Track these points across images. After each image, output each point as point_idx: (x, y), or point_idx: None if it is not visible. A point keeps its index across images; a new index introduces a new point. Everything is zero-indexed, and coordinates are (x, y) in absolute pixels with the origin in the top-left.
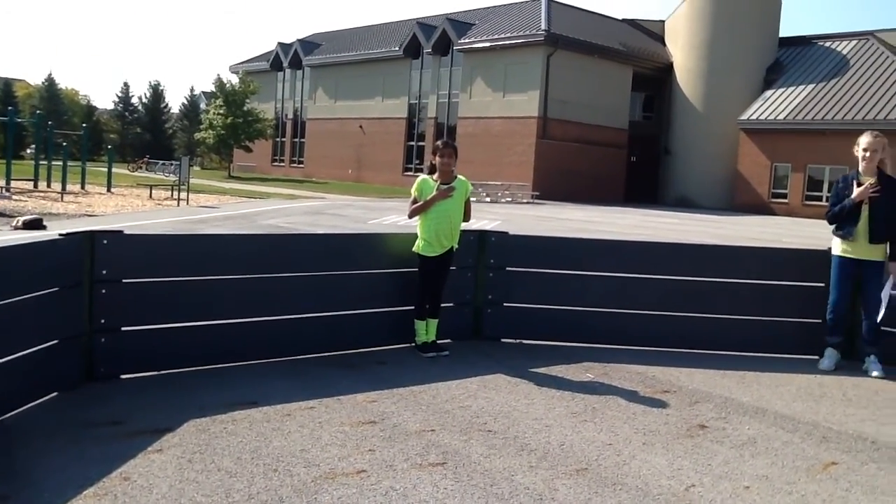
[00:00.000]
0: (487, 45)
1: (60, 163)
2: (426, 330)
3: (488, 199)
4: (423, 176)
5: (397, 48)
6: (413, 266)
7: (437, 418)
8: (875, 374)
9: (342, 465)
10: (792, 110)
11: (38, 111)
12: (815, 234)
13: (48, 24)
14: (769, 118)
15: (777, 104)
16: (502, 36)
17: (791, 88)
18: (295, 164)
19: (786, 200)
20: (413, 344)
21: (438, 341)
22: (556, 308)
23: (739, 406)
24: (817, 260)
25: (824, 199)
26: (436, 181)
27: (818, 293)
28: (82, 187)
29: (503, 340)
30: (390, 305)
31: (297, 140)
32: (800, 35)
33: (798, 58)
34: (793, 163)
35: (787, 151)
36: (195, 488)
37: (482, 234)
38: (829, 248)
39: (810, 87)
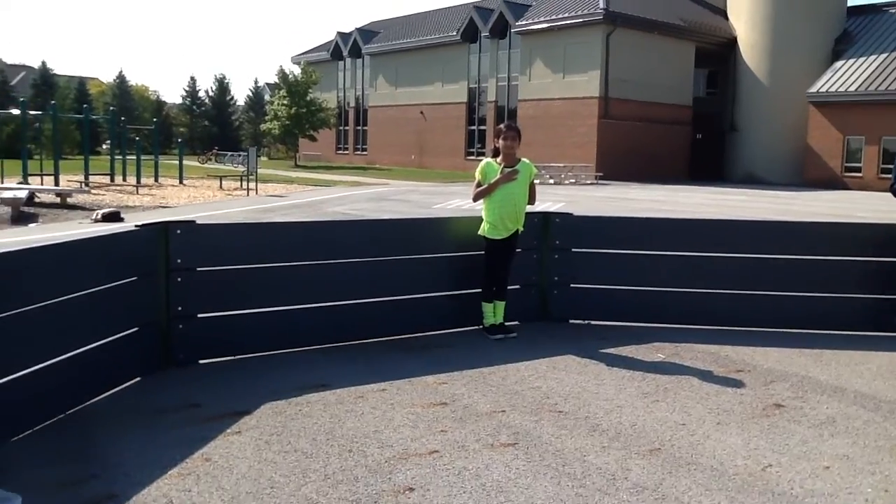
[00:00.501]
0: (545, 25)
1: (134, 157)
2: (494, 312)
3: (552, 181)
4: (487, 159)
5: (455, 33)
6: (479, 249)
7: (507, 399)
8: None
9: (415, 446)
10: (863, 81)
11: (110, 108)
12: (891, 207)
13: (117, 22)
14: (839, 90)
15: (847, 75)
16: (560, 16)
17: (862, 59)
18: (358, 152)
19: (860, 174)
20: (481, 326)
21: (506, 323)
22: (624, 288)
23: (817, 385)
24: (893, 233)
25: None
26: (500, 164)
27: (894, 268)
28: (156, 180)
29: (571, 321)
30: (457, 289)
31: (359, 128)
32: (869, 3)
33: (868, 26)
34: (866, 135)
35: (860, 123)
36: (273, 468)
37: (546, 216)
38: None
39: (882, 56)
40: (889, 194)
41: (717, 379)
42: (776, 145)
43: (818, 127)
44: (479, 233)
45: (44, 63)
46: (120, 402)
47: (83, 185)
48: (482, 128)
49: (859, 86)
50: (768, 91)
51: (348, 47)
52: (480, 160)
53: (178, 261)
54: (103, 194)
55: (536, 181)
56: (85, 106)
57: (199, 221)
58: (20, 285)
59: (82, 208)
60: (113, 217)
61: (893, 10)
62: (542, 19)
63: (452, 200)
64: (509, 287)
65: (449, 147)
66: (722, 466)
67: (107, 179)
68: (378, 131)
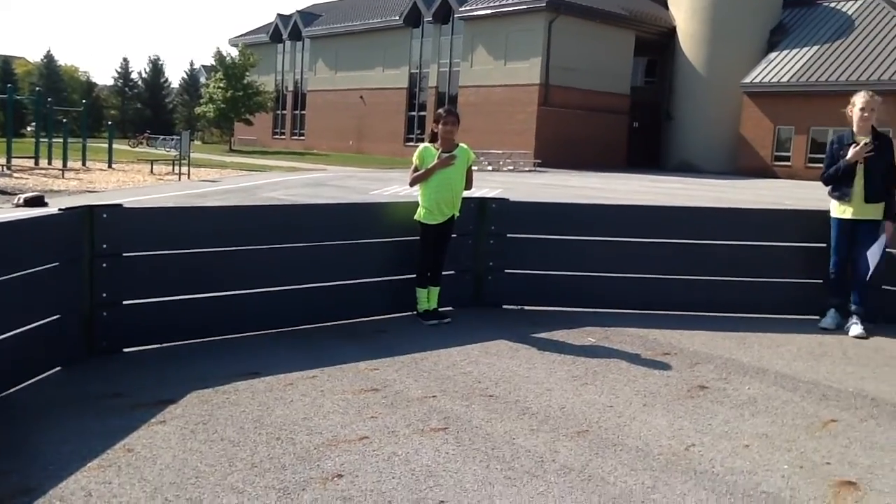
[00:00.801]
0: (488, 12)
1: (61, 140)
2: (427, 298)
3: (490, 168)
4: (425, 144)
5: (397, 17)
6: (414, 234)
7: (438, 384)
8: (854, 333)
9: (345, 432)
10: (795, 72)
11: (37, 88)
12: (817, 196)
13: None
14: (772, 81)
15: (780, 66)
16: (504, 2)
17: (795, 50)
18: (296, 137)
19: (789, 163)
20: (415, 312)
21: (440, 309)
22: (558, 274)
23: (740, 366)
24: (817, 220)
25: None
26: (437, 149)
27: (818, 253)
28: (83, 164)
29: (504, 307)
30: (392, 274)
31: (297, 112)
32: None
33: (802, 19)
34: (796, 125)
35: (791, 114)
36: (199, 458)
37: (482, 201)
38: (829, 210)
39: (814, 48)
40: (819, 183)
41: (645, 362)
42: (711, 134)
43: (751, 117)
44: (414, 218)
45: None
46: (40, 393)
47: (5, 168)
48: (422, 114)
49: (791, 77)
50: (705, 80)
51: (288, 30)
52: (419, 146)
53: (104, 246)
54: (27, 178)
55: (474, 167)
56: (9, 86)
57: (126, 206)
58: None
59: (3, 192)
60: (36, 202)
61: (827, 4)
62: (485, 5)
63: (390, 186)
64: (444, 273)
65: (388, 133)
66: (647, 447)
67: (31, 163)
68: (316, 116)
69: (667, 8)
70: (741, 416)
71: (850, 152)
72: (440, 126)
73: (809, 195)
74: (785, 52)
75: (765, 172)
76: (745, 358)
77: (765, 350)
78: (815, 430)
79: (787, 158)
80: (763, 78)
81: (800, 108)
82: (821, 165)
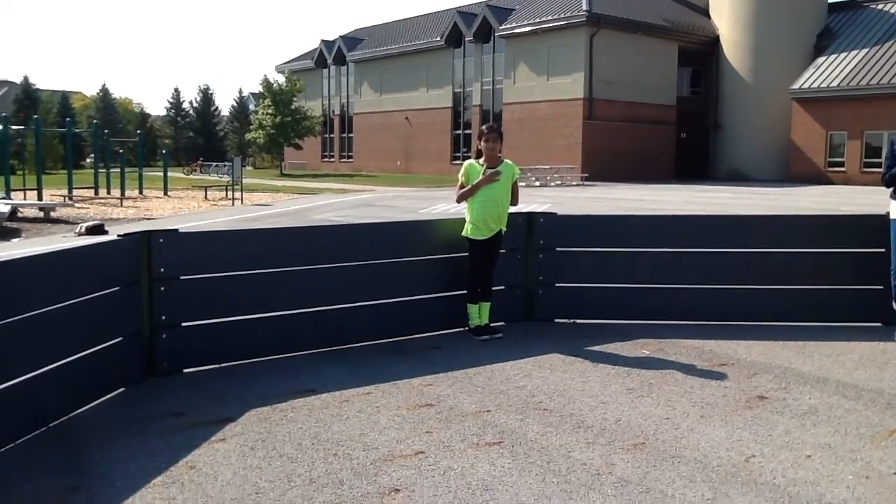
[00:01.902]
0: (529, 29)
1: (118, 170)
2: (479, 313)
3: (537, 184)
4: (470, 160)
5: (439, 38)
6: (463, 251)
7: (492, 399)
8: None
9: (400, 448)
10: (845, 76)
11: (94, 121)
12: (873, 200)
13: (100, 35)
14: (822, 86)
15: (829, 71)
16: (543, 19)
17: (843, 54)
18: (344, 159)
19: (843, 169)
20: (466, 328)
21: (492, 324)
22: (609, 286)
23: (800, 376)
24: (875, 225)
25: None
26: (482, 165)
27: (877, 259)
28: (140, 192)
29: (556, 321)
30: (443, 291)
31: (345, 135)
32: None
33: (849, 22)
34: (849, 130)
35: (843, 119)
36: (258, 474)
37: (530, 216)
38: (888, 213)
39: (863, 51)
40: (875, 188)
41: (701, 373)
42: (760, 142)
43: (801, 123)
44: (462, 234)
45: (26, 78)
46: (104, 413)
47: (67, 198)
48: (467, 132)
49: (841, 81)
50: (751, 88)
51: (332, 55)
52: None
53: (161, 270)
54: (87, 208)
55: (522, 184)
56: (68, 119)
57: (182, 231)
58: (3, 297)
59: (66, 222)
60: (97, 230)
61: (873, 6)
62: (525, 23)
63: (438, 205)
64: (494, 288)
65: (435, 152)
66: (706, 458)
67: (91, 193)
68: (363, 138)
69: (709, 17)
70: (802, 426)
71: None
72: (483, 143)
73: (867, 200)
74: (833, 56)
75: (818, 179)
76: (804, 367)
77: (825, 359)
78: (881, 440)
79: (842, 164)
80: (812, 83)
81: (852, 112)
82: (877, 170)
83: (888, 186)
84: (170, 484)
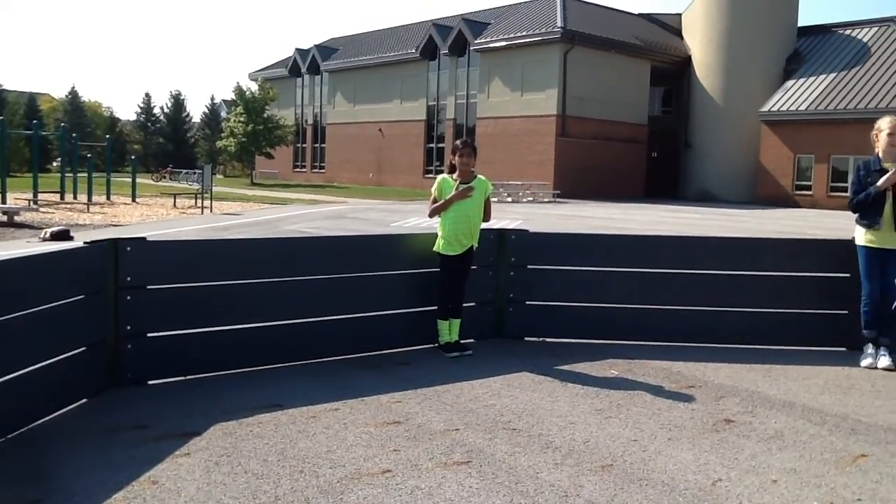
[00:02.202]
0: (504, 44)
1: (85, 174)
2: (449, 330)
3: (509, 199)
4: (443, 175)
5: (413, 50)
6: (434, 266)
7: (461, 417)
8: (882, 364)
9: (367, 466)
10: (813, 100)
11: (62, 124)
12: (840, 225)
13: (70, 37)
14: (790, 109)
15: (798, 95)
16: (518, 34)
17: (812, 78)
18: (316, 170)
19: (810, 192)
20: (436, 344)
21: (461, 341)
22: (579, 305)
23: (766, 400)
24: (840, 249)
25: (849, 189)
26: (455, 180)
27: (843, 283)
28: (108, 198)
29: (526, 339)
30: (413, 306)
31: (317, 145)
32: (819, 24)
33: (818, 47)
34: (816, 154)
35: (810, 142)
36: (222, 491)
37: (502, 233)
38: (853, 238)
39: (832, 75)
40: (841, 212)
41: (670, 394)
42: (729, 163)
43: (770, 145)
44: (433, 249)
45: None
46: (66, 424)
47: (31, 202)
48: (441, 145)
49: (809, 105)
50: (722, 109)
51: (307, 64)
52: (438, 177)
53: (128, 279)
54: (52, 212)
55: (494, 199)
56: (35, 122)
57: (150, 239)
58: None
59: (30, 227)
60: (62, 236)
61: (842, 31)
62: (500, 37)
63: (410, 219)
64: (465, 304)
65: (407, 165)
66: (673, 482)
67: (57, 197)
68: (336, 149)
69: (681, 37)
70: (768, 450)
71: (882, 179)
72: (457, 157)
73: (834, 224)
74: (802, 80)
75: (786, 201)
76: (771, 391)
77: (791, 383)
78: (845, 465)
79: (809, 187)
80: (781, 106)
81: (819, 136)
82: (843, 194)
83: (855, 212)
84: (131, 499)
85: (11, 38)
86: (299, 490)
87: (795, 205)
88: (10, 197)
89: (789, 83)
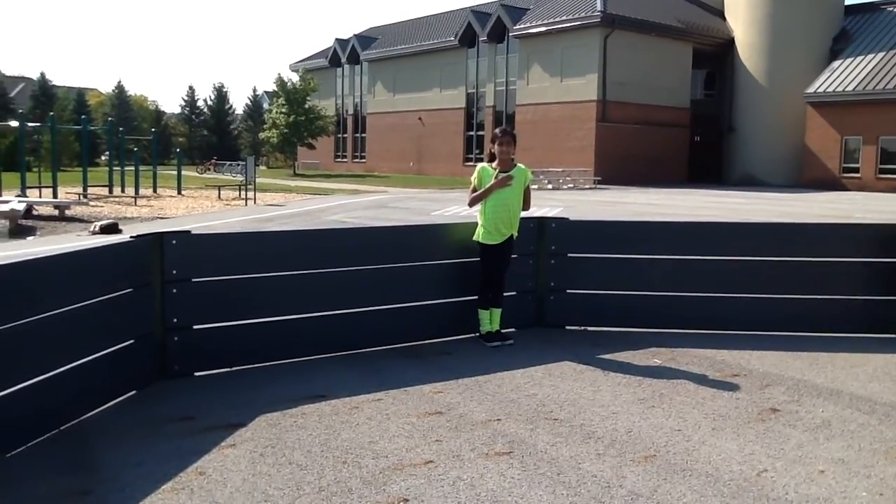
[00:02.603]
0: (543, 29)
1: (132, 168)
2: (490, 319)
3: (550, 186)
4: (482, 164)
5: (453, 38)
6: (475, 255)
7: (502, 407)
8: None
9: (410, 456)
10: (861, 80)
11: (109, 119)
12: (890, 208)
13: (116, 32)
14: (837, 90)
15: (845, 75)
16: (557, 19)
17: (859, 58)
18: (357, 160)
19: (858, 175)
20: (477, 334)
21: (502, 330)
22: (621, 293)
23: (813, 388)
24: (889, 234)
25: None
26: (495, 169)
27: (892, 269)
28: (154, 191)
29: (567, 328)
30: (454, 296)
31: (358, 135)
32: (867, 1)
33: (865, 25)
34: (864, 135)
35: (858, 123)
36: (267, 481)
37: (542, 221)
38: None
39: (880, 55)
40: (891, 194)
41: (713, 383)
42: (774, 146)
43: (816, 127)
44: (473, 238)
45: (42, 74)
46: (115, 416)
47: (81, 196)
48: (480, 133)
49: (857, 85)
50: (766, 91)
51: (346, 54)
52: (478, 166)
53: (174, 272)
54: (101, 206)
55: (534, 186)
56: (83, 117)
57: (195, 232)
58: (15, 298)
59: (80, 220)
60: (111, 229)
61: (891, 9)
62: (539, 23)
63: (450, 207)
64: (505, 294)
65: (447, 153)
66: (717, 472)
67: (105, 191)
68: (376, 138)
69: (724, 19)
70: (815, 440)
71: None
72: (496, 146)
73: (883, 207)
74: (849, 59)
75: (833, 184)
76: (818, 379)
77: (839, 371)
78: (895, 456)
79: (857, 170)
80: (827, 87)
81: (867, 116)
82: (893, 176)
83: None
84: (179, 490)
85: (60, 35)
86: (343, 481)
87: (843, 188)
88: (61, 191)
89: (836, 63)
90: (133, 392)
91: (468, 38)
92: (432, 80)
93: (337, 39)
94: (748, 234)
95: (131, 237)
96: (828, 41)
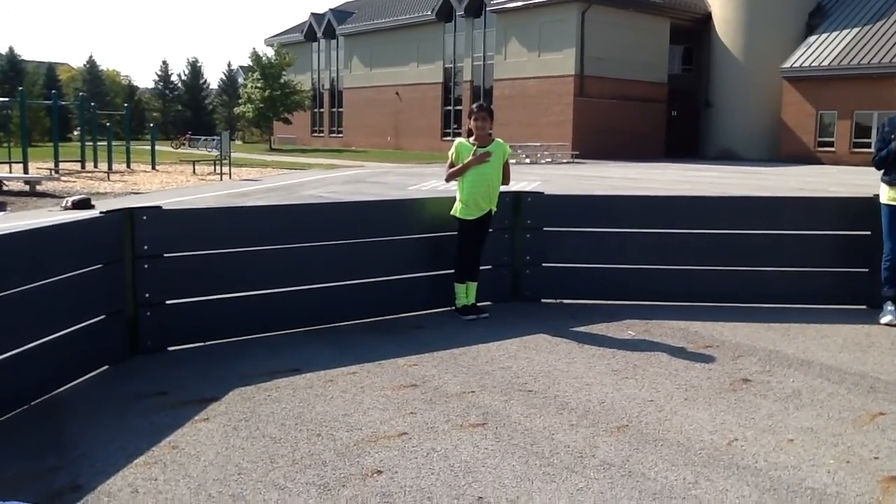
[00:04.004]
0: (520, 3)
1: (105, 143)
2: (466, 293)
3: (528, 161)
4: (460, 139)
5: (429, 12)
6: (451, 230)
7: (477, 380)
8: (885, 320)
9: (384, 429)
10: (836, 55)
11: (81, 94)
12: (863, 181)
13: (88, 7)
14: (813, 65)
15: (820, 50)
16: None
17: (835, 33)
18: (334, 135)
19: (832, 149)
20: (453, 307)
21: (478, 304)
22: (596, 267)
23: (784, 359)
24: (861, 207)
25: (873, 145)
26: (473, 144)
27: (863, 241)
28: (128, 166)
29: (543, 301)
30: (430, 270)
31: (334, 110)
32: None
33: (841, 1)
34: (839, 110)
35: (833, 98)
36: (241, 455)
37: (518, 195)
38: (876, 195)
39: (854, 30)
40: (865, 169)
41: (687, 355)
42: (751, 121)
43: (792, 102)
44: (451, 213)
45: (11, 49)
46: (87, 391)
47: (53, 172)
48: (458, 108)
49: (832, 60)
50: (743, 66)
51: (322, 28)
52: (455, 141)
53: (145, 247)
54: (74, 181)
55: (512, 161)
56: (54, 92)
57: (168, 207)
58: None
59: (52, 196)
60: (83, 204)
61: None
62: None
63: (428, 182)
64: (481, 267)
65: (425, 128)
66: (689, 441)
67: (77, 166)
68: (353, 113)
69: None
70: (785, 409)
71: None
72: (473, 122)
73: (857, 181)
74: (824, 35)
75: (808, 158)
76: (789, 350)
77: (809, 341)
78: (863, 424)
79: (831, 144)
80: (803, 62)
81: (842, 91)
82: (866, 150)
83: (878, 169)
84: (152, 464)
85: (30, 9)
86: (316, 453)
87: (818, 162)
88: (31, 166)
89: (812, 38)
90: (105, 367)
91: (445, 13)
92: (409, 55)
93: (312, 14)
94: (722, 208)
95: (101, 212)
96: (804, 16)
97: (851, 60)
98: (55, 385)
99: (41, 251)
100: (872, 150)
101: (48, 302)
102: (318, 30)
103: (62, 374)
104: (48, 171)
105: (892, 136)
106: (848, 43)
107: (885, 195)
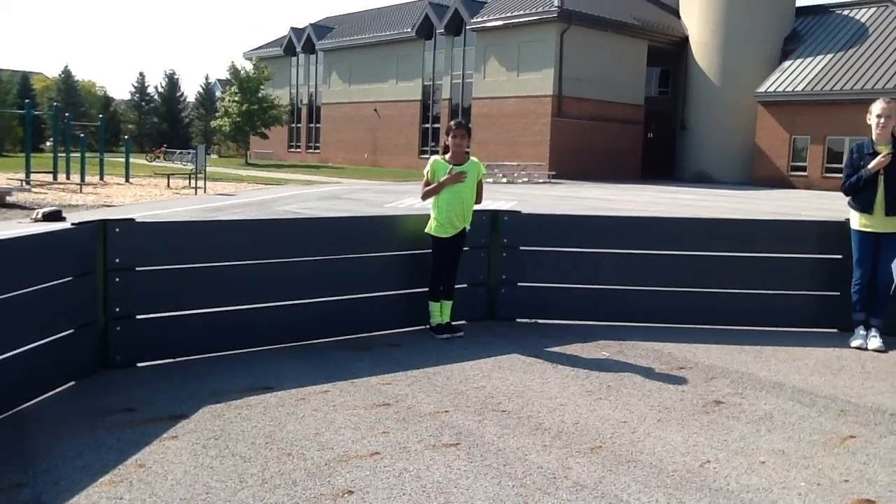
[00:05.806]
0: (500, 23)
1: (79, 155)
2: (440, 311)
3: (504, 180)
4: (436, 157)
5: (409, 29)
6: (426, 248)
7: (450, 399)
8: (873, 346)
9: (356, 448)
10: (810, 81)
11: (55, 104)
12: (835, 206)
13: (64, 17)
14: (787, 90)
15: (795, 75)
16: (515, 14)
17: (809, 59)
18: (311, 150)
19: (805, 173)
20: (427, 326)
21: (453, 322)
22: (571, 287)
23: (756, 381)
24: (833, 231)
25: (843, 172)
26: (448, 162)
27: (835, 265)
28: (101, 178)
29: (518, 320)
30: (404, 288)
31: (312, 125)
32: (817, 3)
33: (816, 27)
34: (812, 134)
35: (806, 123)
36: (210, 474)
37: (495, 214)
38: (847, 220)
39: (829, 56)
40: (836, 193)
41: (660, 376)
42: (726, 144)
43: (766, 126)
44: (426, 230)
45: None
46: (54, 407)
47: (24, 183)
48: (436, 126)
49: (806, 86)
50: (718, 90)
51: (302, 43)
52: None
53: (116, 260)
54: (45, 193)
55: (489, 180)
56: (27, 101)
57: (140, 220)
58: None
59: (22, 207)
60: (54, 216)
61: (840, 11)
62: (496, 16)
63: (405, 199)
64: (457, 286)
65: (403, 145)
66: (661, 463)
67: (49, 177)
68: (331, 129)
69: (679, 17)
70: (757, 431)
71: (872, 162)
72: (451, 139)
73: (829, 205)
74: (799, 60)
75: (781, 182)
76: (761, 372)
77: (781, 364)
78: (833, 447)
79: (804, 168)
80: (777, 87)
81: (815, 116)
82: (838, 175)
83: (847, 195)
84: (118, 482)
85: (5, 17)
86: (287, 473)
87: (791, 186)
88: (2, 177)
89: (786, 63)
90: (73, 383)
91: (425, 30)
92: (389, 72)
93: (292, 28)
94: (695, 230)
95: (72, 224)
96: (779, 41)
97: (825, 86)
98: (21, 399)
99: (9, 263)
100: (843, 176)
101: (16, 315)
102: (297, 44)
103: (29, 389)
104: (19, 181)
105: (862, 163)
106: (822, 69)
107: (856, 222)
